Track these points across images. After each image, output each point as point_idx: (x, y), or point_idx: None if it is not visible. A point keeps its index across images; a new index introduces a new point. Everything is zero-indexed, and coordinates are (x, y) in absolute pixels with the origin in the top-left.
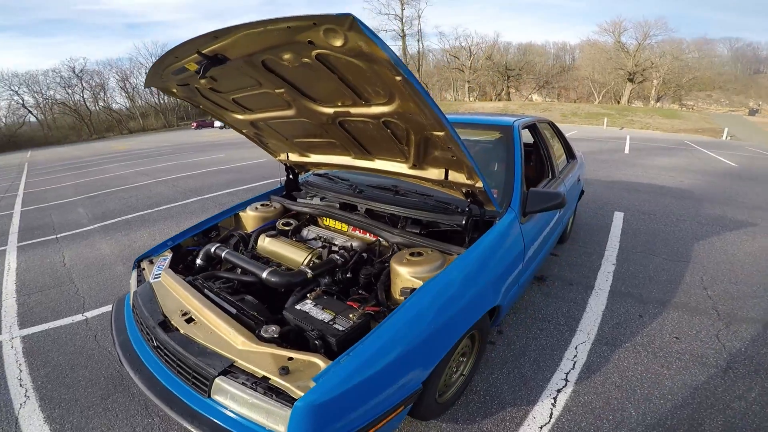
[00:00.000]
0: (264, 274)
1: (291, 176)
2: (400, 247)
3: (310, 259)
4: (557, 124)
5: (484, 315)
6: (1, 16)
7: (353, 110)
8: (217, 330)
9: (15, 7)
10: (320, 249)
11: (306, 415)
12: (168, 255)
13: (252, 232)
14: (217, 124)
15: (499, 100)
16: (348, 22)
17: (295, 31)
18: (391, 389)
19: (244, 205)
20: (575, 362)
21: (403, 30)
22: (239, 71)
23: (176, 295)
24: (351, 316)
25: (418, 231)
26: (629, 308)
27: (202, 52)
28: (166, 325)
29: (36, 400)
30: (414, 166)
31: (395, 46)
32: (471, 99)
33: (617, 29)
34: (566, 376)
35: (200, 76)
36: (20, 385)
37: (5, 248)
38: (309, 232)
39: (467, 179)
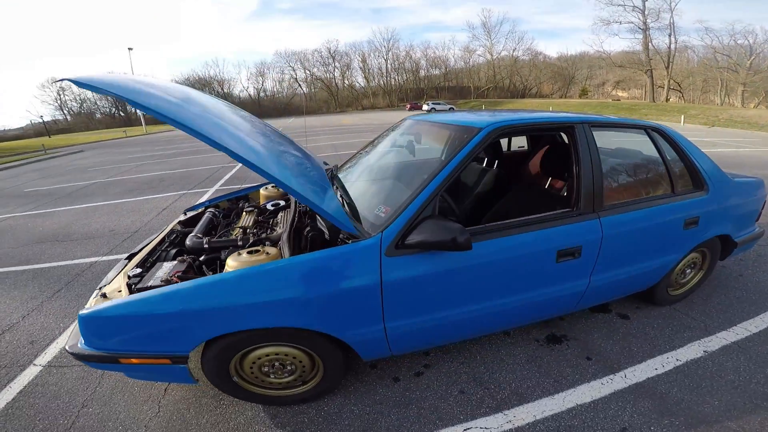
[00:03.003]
0: (187, 239)
1: None
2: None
3: (236, 235)
4: None
5: (311, 335)
6: (292, 1)
7: None
8: (132, 265)
9: None
10: (246, 228)
11: (80, 321)
12: (197, 212)
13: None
14: (425, 106)
15: None
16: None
17: None
18: (151, 339)
19: (268, 183)
20: None
21: (645, 23)
22: None
23: (160, 237)
24: (162, 279)
25: (306, 233)
26: (623, 415)
27: None
28: (131, 255)
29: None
30: None
31: (634, 40)
32: (752, 105)
33: None
34: None
35: None
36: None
37: (208, 189)
38: (281, 214)
39: None
